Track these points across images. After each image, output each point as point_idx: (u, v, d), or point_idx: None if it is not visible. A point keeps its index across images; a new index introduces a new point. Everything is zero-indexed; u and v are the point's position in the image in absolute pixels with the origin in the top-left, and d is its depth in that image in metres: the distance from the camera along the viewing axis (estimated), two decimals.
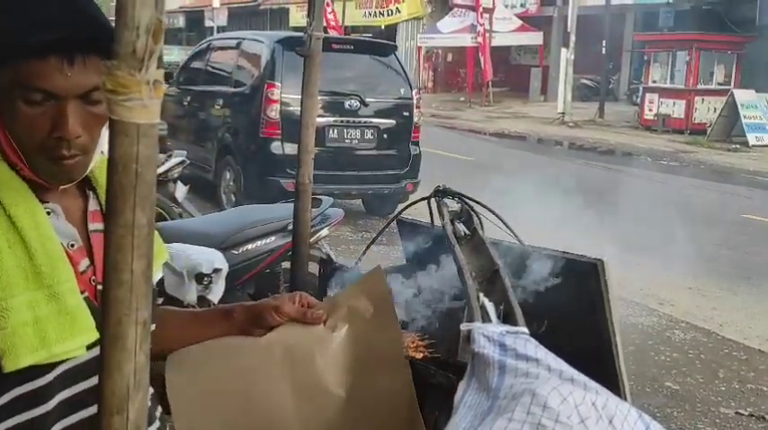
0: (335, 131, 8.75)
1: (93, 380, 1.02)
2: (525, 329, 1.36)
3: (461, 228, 2.13)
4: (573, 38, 22.46)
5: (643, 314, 6.26)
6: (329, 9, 25.07)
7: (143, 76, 0.82)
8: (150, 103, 0.84)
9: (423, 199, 2.42)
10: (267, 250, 4.37)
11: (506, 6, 29.20)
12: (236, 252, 4.27)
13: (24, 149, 1.23)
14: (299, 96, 2.73)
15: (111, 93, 0.83)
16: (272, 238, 4.38)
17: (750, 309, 6.60)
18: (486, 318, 1.45)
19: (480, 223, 2.23)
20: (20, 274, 1.20)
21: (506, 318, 1.47)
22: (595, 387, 1.21)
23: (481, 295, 1.54)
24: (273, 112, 8.37)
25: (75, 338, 1.24)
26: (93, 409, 0.96)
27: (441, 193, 2.33)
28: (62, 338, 1.22)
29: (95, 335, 1.23)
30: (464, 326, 1.37)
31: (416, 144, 9.25)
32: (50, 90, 1.20)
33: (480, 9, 27.17)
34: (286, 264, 4.37)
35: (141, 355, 0.86)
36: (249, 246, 4.33)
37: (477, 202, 2.30)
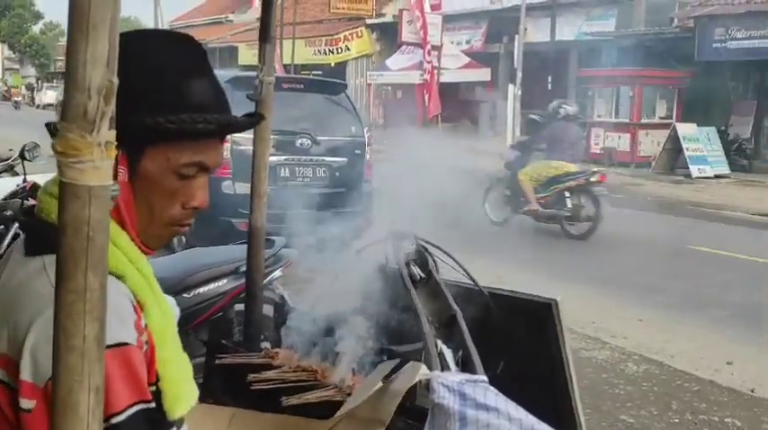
0: (287, 170, 8.73)
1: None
2: (484, 377, 1.35)
3: (417, 271, 2.13)
4: (519, 74, 22.85)
5: (596, 348, 6.31)
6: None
7: (95, 138, 0.81)
8: (102, 165, 0.82)
9: (378, 241, 2.42)
10: (220, 293, 4.31)
11: (453, 43, 29.61)
12: (187, 295, 4.20)
13: (153, 220, 1.30)
14: (250, 135, 2.72)
15: (61, 155, 0.81)
16: (225, 281, 4.33)
17: (700, 339, 6.69)
18: (444, 366, 1.45)
19: (435, 265, 2.23)
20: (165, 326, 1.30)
21: (465, 365, 1.46)
22: None
23: (439, 342, 1.53)
24: (224, 152, 8.31)
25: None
26: None
27: (396, 235, 2.34)
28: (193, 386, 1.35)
29: None
30: (423, 376, 1.36)
31: (369, 181, 9.27)
32: (209, 165, 1.30)
33: (428, 46, 27.52)
34: (239, 307, 4.31)
35: (94, 423, 0.84)
36: (201, 290, 4.27)
37: (433, 244, 2.30)
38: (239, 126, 1.36)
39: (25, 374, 1.11)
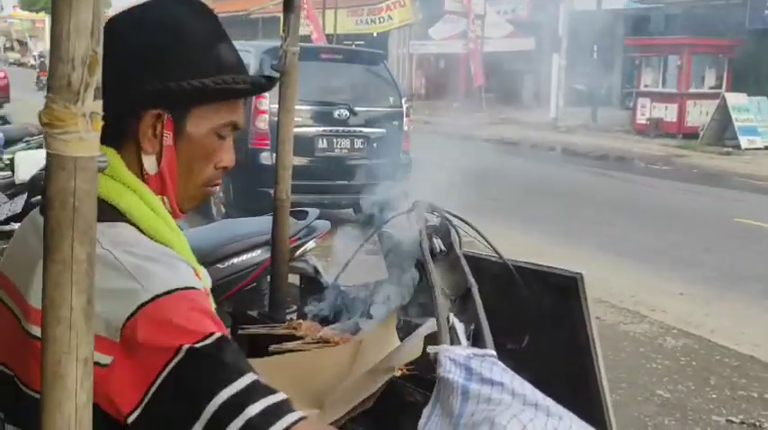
0: (325, 141, 8.74)
1: None
2: (493, 352, 1.34)
3: (438, 243, 2.10)
4: (564, 43, 22.49)
5: (635, 321, 6.24)
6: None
7: (79, 109, 0.81)
8: (88, 136, 0.82)
9: (401, 213, 2.40)
10: (253, 264, 4.33)
11: (497, 12, 29.22)
12: (221, 266, 4.23)
13: (190, 181, 1.35)
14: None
15: (47, 126, 0.81)
16: (258, 252, 4.34)
17: (741, 314, 6.58)
18: (454, 340, 1.43)
19: (459, 238, 2.21)
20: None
21: (476, 339, 1.45)
22: (559, 412, 1.18)
23: (451, 315, 1.52)
24: (262, 123, 8.34)
25: None
26: None
27: (420, 207, 2.31)
28: None
29: None
30: (431, 349, 1.34)
31: (407, 153, 9.24)
32: (240, 124, 1.38)
33: (472, 15, 27.20)
34: None
35: (83, 394, 0.84)
36: (235, 260, 4.29)
37: (456, 216, 2.28)
38: (265, 87, 1.45)
39: None
